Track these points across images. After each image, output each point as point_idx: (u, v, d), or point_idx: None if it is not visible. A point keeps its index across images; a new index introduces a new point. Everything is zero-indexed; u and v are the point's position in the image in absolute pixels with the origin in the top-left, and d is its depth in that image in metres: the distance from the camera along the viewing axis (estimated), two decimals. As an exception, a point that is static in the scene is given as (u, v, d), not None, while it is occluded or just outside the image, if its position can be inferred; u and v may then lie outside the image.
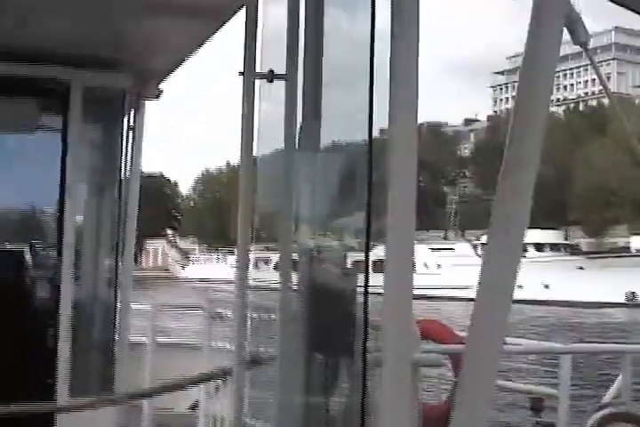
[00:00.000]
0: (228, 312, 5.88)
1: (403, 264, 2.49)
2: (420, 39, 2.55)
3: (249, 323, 3.62)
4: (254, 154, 3.26)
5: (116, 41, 5.35)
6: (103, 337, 6.09)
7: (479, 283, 2.77)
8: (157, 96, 6.16)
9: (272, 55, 3.36)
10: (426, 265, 72.25)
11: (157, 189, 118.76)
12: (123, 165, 6.12)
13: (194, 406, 8.46)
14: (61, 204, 5.65)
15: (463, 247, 76.57)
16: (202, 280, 79.19)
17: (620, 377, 6.22)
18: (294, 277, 3.25)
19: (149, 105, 6.25)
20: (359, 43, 2.82)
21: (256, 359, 3.81)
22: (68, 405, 5.18)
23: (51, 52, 5.50)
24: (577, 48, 3.09)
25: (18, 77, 5.62)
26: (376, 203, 2.59)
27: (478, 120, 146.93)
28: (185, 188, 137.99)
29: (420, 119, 2.55)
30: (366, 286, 2.53)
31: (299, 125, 3.24)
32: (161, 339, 7.75)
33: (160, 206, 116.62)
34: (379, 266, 2.48)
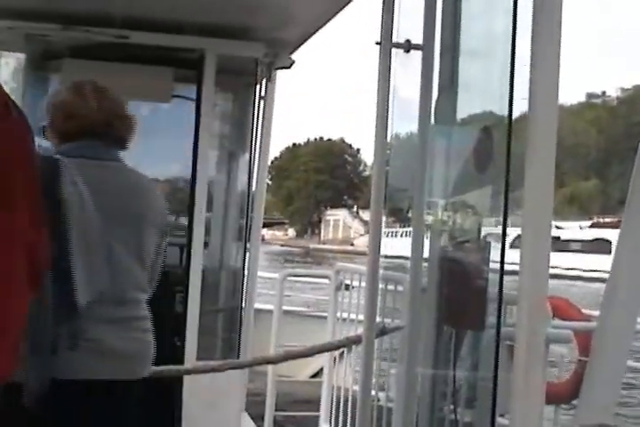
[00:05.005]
0: (355, 282, 5.90)
1: (539, 241, 2.45)
2: (563, 9, 2.48)
3: (380, 294, 3.63)
4: (389, 126, 3.24)
5: (250, 10, 5.38)
6: (230, 303, 6.21)
7: (613, 260, 2.72)
8: (290, 66, 6.18)
9: (409, 25, 3.33)
10: None
11: (337, 156, 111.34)
12: (254, 133, 6.18)
13: (316, 375, 8.58)
14: (194, 172, 5.74)
15: None
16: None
17: None
18: (426, 251, 3.24)
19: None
20: (500, 12, 2.77)
21: (383, 330, 3.83)
22: (196, 367, 5.31)
23: (185, 22, 5.57)
24: None
25: (153, 47, 5.71)
26: (513, 179, 2.55)
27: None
28: (369, 155, 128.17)
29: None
30: (502, 262, 2.50)
31: (435, 97, 3.21)
32: (287, 307, 7.81)
33: (340, 174, 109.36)
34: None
